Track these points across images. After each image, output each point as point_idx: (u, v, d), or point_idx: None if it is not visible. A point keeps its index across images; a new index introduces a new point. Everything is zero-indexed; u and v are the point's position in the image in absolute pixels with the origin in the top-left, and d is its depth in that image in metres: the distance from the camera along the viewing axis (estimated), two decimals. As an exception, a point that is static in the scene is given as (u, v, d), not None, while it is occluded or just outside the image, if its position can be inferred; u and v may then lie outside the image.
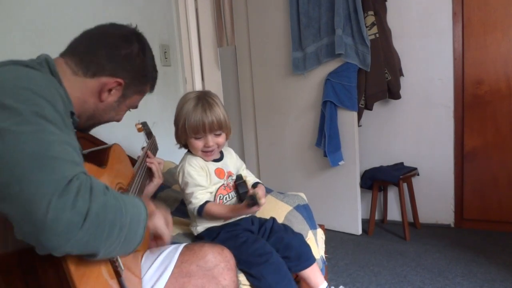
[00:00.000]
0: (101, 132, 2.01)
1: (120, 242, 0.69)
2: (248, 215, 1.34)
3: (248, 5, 3.03)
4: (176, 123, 1.27)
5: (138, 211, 0.76)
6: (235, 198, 1.32)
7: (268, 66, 3.02)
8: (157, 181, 1.27)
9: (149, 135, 1.41)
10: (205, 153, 1.26)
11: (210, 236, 1.27)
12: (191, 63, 2.66)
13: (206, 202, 1.23)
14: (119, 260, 0.79)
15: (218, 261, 0.99)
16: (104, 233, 0.64)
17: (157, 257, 1.00)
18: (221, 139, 1.27)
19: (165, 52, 2.48)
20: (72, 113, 0.85)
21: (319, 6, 2.63)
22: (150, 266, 0.98)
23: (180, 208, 1.63)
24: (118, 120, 1.05)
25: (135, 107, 1.07)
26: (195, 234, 1.31)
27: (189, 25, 2.62)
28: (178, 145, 1.34)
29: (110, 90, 0.93)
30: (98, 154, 0.97)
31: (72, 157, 0.67)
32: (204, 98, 1.23)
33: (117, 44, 0.93)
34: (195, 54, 2.69)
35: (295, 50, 2.79)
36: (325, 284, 1.30)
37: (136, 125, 1.36)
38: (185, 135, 1.24)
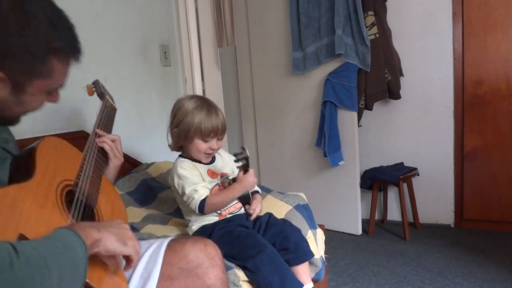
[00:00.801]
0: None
1: None
2: (242, 212, 1.36)
3: (248, 5, 3.03)
4: (181, 127, 1.28)
5: (70, 256, 0.61)
6: None
7: (268, 66, 3.02)
8: (114, 162, 1.10)
9: (101, 95, 1.26)
10: (208, 155, 1.32)
11: (204, 234, 1.28)
12: (191, 63, 2.66)
13: (206, 196, 1.25)
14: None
15: (201, 260, 0.92)
16: None
17: (140, 260, 0.93)
18: (221, 142, 1.34)
19: (165, 52, 2.48)
20: None
21: (319, 6, 2.63)
22: (134, 270, 0.91)
23: (179, 209, 1.63)
24: (54, 101, 0.86)
25: (58, 87, 0.84)
26: (190, 234, 1.33)
27: (189, 25, 2.62)
28: (170, 148, 1.37)
29: None
30: (24, 160, 0.80)
31: None
32: (210, 104, 1.31)
33: None
34: (195, 54, 2.68)
35: (295, 50, 2.79)
36: (311, 284, 1.31)
37: (86, 87, 1.19)
38: (190, 139, 1.28)
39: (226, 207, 1.32)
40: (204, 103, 1.30)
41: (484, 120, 2.60)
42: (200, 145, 1.29)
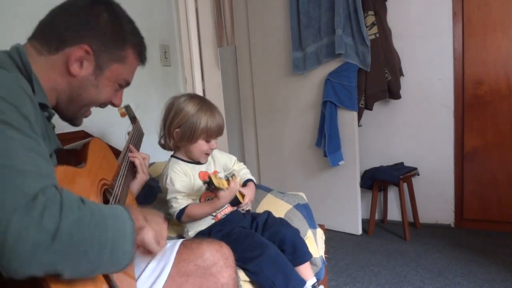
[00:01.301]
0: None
1: (103, 262, 0.61)
2: (237, 209, 1.35)
3: (248, 5, 3.03)
4: (185, 128, 1.27)
5: (121, 225, 0.66)
6: None
7: (268, 66, 3.02)
8: (141, 177, 1.20)
9: (133, 119, 1.37)
10: (207, 155, 1.34)
11: None
12: (191, 63, 2.66)
13: (187, 205, 1.25)
14: (112, 278, 0.73)
15: (217, 259, 0.96)
16: (78, 254, 0.56)
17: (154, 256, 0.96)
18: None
19: (165, 52, 2.48)
20: (45, 106, 0.79)
21: (319, 6, 2.63)
22: (146, 266, 0.94)
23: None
24: (113, 103, 0.97)
25: (125, 82, 0.96)
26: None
27: (189, 25, 2.62)
28: (163, 147, 1.37)
29: (81, 62, 0.85)
30: (77, 151, 0.90)
31: (38, 167, 0.60)
32: (211, 104, 1.32)
33: (80, 11, 0.85)
34: (195, 54, 2.68)
35: (295, 50, 2.79)
36: (314, 279, 1.30)
37: (118, 110, 1.30)
38: (194, 139, 1.27)
39: (221, 210, 1.31)
40: (204, 103, 1.30)
41: (484, 120, 2.60)
42: (203, 146, 1.29)
